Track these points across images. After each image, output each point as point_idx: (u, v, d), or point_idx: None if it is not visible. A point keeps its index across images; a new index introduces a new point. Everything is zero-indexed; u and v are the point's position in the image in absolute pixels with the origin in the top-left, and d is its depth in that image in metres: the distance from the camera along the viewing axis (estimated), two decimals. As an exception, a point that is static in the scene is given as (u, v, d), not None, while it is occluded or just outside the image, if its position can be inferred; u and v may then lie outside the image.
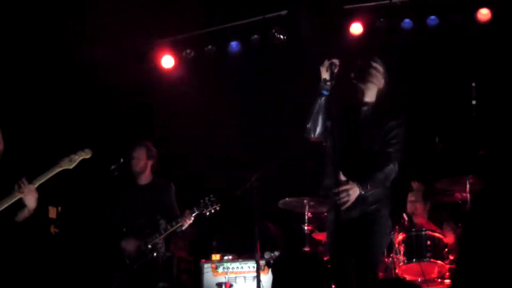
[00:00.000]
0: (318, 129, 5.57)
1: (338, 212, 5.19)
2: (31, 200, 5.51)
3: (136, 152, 7.70)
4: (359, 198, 5.30)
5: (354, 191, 5.25)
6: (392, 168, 5.41)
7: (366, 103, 5.61)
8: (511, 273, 3.01)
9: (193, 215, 7.33)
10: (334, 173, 5.28)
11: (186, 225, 7.39)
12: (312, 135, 5.61)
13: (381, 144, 5.47)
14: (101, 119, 9.65)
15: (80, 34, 8.99)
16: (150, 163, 7.75)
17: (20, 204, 5.50)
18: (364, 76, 5.51)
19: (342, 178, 5.24)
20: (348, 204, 5.24)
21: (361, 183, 5.28)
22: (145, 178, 7.76)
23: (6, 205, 5.45)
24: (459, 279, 3.22)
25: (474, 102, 7.35)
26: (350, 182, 5.26)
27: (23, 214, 5.55)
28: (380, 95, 5.64)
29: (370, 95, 5.62)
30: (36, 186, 5.55)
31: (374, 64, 5.56)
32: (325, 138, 5.64)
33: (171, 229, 7.33)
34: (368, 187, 5.31)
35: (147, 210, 7.55)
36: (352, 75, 5.58)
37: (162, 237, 7.34)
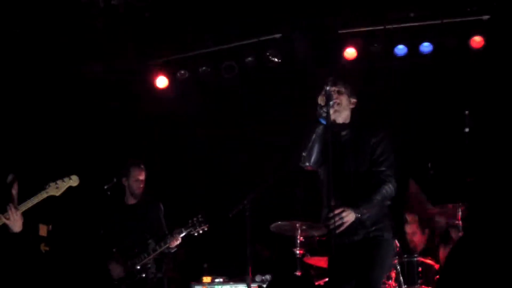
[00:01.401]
0: (314, 158, 5.59)
1: (332, 237, 5.20)
2: (16, 226, 5.55)
3: (141, 175, 7.71)
4: (358, 221, 5.30)
5: (348, 215, 5.23)
6: (388, 188, 5.40)
7: (344, 127, 5.62)
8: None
9: (181, 235, 7.32)
10: (327, 201, 5.30)
11: (174, 246, 7.38)
12: (308, 164, 5.62)
13: (370, 164, 5.47)
14: (92, 137, 9.63)
15: (75, 54, 9.01)
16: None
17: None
18: (329, 103, 5.41)
19: (333, 203, 5.24)
20: (343, 228, 5.23)
21: (355, 206, 5.29)
22: (135, 197, 7.75)
23: None
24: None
25: (467, 129, 7.39)
26: (344, 207, 5.26)
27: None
28: (354, 114, 5.67)
29: (344, 118, 5.64)
30: (21, 211, 5.58)
31: (333, 88, 5.53)
32: (319, 166, 5.66)
33: (160, 250, 7.31)
34: (364, 210, 5.31)
35: (136, 229, 7.54)
36: (320, 102, 5.49)
37: (150, 257, 7.32)
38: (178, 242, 7.38)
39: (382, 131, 5.60)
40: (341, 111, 5.58)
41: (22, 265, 7.88)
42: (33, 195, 5.66)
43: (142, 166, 7.76)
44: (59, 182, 5.71)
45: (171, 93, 9.79)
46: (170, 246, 7.35)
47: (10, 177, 5.87)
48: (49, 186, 5.68)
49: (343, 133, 5.59)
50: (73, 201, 8.39)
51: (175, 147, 10.03)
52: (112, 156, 9.38)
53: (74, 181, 5.79)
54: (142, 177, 7.71)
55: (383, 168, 5.45)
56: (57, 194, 5.71)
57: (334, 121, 5.51)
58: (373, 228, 5.38)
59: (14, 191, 5.89)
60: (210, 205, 8.58)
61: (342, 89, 5.60)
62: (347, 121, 5.66)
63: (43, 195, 5.65)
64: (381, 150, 5.48)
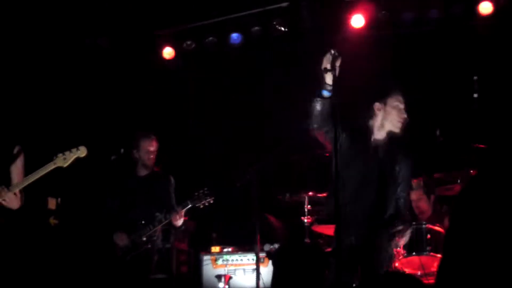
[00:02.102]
0: (324, 126, 5.54)
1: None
2: (13, 204, 5.59)
3: (152, 146, 7.71)
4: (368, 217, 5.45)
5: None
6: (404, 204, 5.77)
7: (382, 134, 5.66)
8: (498, 268, 3.00)
9: (187, 207, 7.33)
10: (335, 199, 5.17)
11: (180, 223, 7.39)
12: (316, 130, 5.59)
13: (398, 186, 5.68)
14: (100, 109, 9.63)
15: (81, 25, 8.97)
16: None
17: None
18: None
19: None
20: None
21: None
22: (147, 169, 7.75)
23: None
24: (444, 273, 3.21)
25: (475, 95, 7.32)
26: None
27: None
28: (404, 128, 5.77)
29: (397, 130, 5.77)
30: (19, 189, 5.60)
31: (400, 106, 5.70)
32: (326, 133, 5.61)
33: (165, 221, 7.33)
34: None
35: (145, 201, 7.57)
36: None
37: (156, 229, 7.34)
38: (182, 218, 7.38)
39: (413, 154, 5.80)
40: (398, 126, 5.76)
41: (27, 239, 7.91)
42: (41, 166, 5.68)
43: (153, 137, 7.75)
44: (66, 153, 5.71)
45: (177, 64, 9.75)
46: (174, 222, 7.35)
47: (16, 149, 5.89)
48: (57, 157, 5.69)
49: (378, 137, 5.72)
50: (81, 173, 8.46)
51: (182, 118, 10.01)
52: (119, 128, 9.38)
53: (82, 152, 5.79)
54: (152, 148, 7.70)
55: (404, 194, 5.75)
56: (64, 165, 5.72)
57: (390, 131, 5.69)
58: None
59: (20, 163, 5.91)
60: (218, 175, 8.58)
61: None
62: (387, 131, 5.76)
63: (50, 166, 5.67)
64: (405, 173, 5.73)
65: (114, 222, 7.52)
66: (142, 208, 7.53)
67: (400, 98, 5.75)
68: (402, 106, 5.71)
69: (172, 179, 7.80)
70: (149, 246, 7.35)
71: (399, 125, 5.68)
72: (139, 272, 7.31)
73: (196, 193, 7.35)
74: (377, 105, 5.76)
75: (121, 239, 7.36)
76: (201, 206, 7.37)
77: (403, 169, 5.65)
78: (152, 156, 7.71)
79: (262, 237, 7.26)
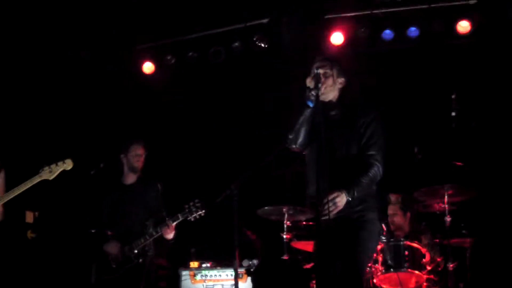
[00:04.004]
0: (301, 140, 5.59)
1: (320, 222, 5.21)
2: None
3: (140, 149, 7.69)
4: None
5: (341, 199, 5.25)
6: (376, 171, 5.42)
7: (333, 106, 5.61)
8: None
9: (177, 221, 7.30)
10: (317, 181, 5.30)
11: (171, 236, 7.37)
12: (294, 145, 5.63)
13: (359, 146, 5.48)
14: (81, 123, 9.60)
15: (63, 39, 8.97)
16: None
17: None
18: (318, 85, 5.46)
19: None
20: (335, 211, 5.24)
21: (347, 189, 5.29)
22: (133, 176, 7.73)
23: None
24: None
25: (453, 113, 7.39)
26: (335, 191, 5.26)
27: None
28: (343, 93, 5.67)
29: (333, 97, 5.65)
30: (2, 202, 5.60)
31: (317, 70, 5.54)
32: (306, 148, 5.66)
33: (156, 235, 7.30)
34: (355, 193, 5.31)
35: (134, 211, 7.52)
36: (309, 84, 5.51)
37: (147, 242, 7.31)
38: (173, 231, 7.35)
39: (373, 112, 5.60)
40: (327, 92, 5.58)
41: (6, 252, 7.87)
42: (27, 179, 5.67)
43: (142, 142, 7.76)
44: (52, 166, 5.72)
45: (158, 79, 9.76)
46: (166, 236, 7.33)
47: None
48: (43, 170, 5.69)
49: (332, 112, 5.58)
50: (60, 187, 8.43)
51: (161, 133, 10.00)
52: (99, 143, 9.36)
53: (68, 164, 5.80)
54: (141, 151, 7.70)
55: (372, 152, 5.46)
56: (50, 178, 5.72)
57: (322, 101, 5.52)
58: (358, 208, 5.39)
59: (1, 178, 5.89)
60: (197, 191, 8.56)
61: (328, 71, 5.59)
62: (336, 99, 5.66)
63: (36, 179, 5.68)
64: (370, 132, 5.49)
65: (102, 234, 7.46)
66: (132, 217, 7.49)
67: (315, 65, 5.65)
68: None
69: (160, 186, 7.76)
70: (141, 260, 7.31)
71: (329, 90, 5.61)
72: (130, 286, 7.26)
73: (186, 206, 7.30)
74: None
75: (113, 248, 7.31)
76: (192, 219, 7.32)
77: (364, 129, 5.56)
78: (141, 159, 7.70)
79: (241, 253, 7.24)
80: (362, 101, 5.84)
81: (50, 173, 5.70)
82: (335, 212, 5.23)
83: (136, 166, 7.68)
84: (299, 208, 7.53)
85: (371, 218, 5.46)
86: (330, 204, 5.18)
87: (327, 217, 5.16)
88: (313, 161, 5.55)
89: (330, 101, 5.62)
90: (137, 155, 7.68)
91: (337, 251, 5.31)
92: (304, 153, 5.74)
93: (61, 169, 5.75)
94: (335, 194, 5.23)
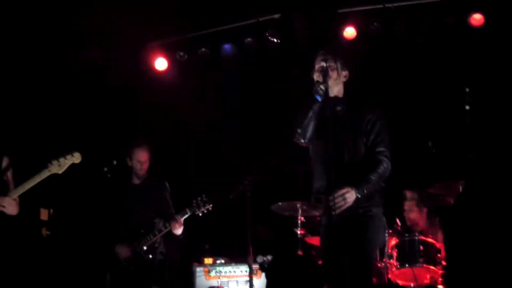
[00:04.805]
0: (309, 134, 5.57)
1: (330, 217, 5.19)
2: (12, 210, 5.57)
3: (143, 156, 7.74)
4: None
5: (351, 195, 5.24)
6: (386, 167, 5.43)
7: (338, 101, 5.58)
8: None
9: (186, 216, 7.35)
10: (326, 175, 5.28)
11: (179, 232, 7.40)
12: (302, 140, 5.61)
13: (369, 143, 5.47)
14: (93, 120, 9.62)
15: (74, 36, 8.96)
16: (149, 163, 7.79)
17: None
18: (323, 77, 5.47)
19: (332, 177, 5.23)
20: (344, 208, 5.23)
21: (357, 186, 5.28)
22: (139, 178, 7.77)
23: None
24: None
25: (467, 107, 7.35)
26: (346, 186, 5.25)
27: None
28: (348, 87, 5.65)
29: (337, 92, 5.62)
30: (17, 195, 5.59)
31: (325, 64, 5.52)
32: (312, 143, 5.65)
33: (165, 230, 7.35)
34: (364, 190, 5.30)
35: (142, 209, 7.62)
36: (317, 79, 5.54)
37: (156, 238, 7.35)
38: (181, 226, 7.39)
39: (378, 108, 5.60)
40: (332, 86, 5.56)
41: (22, 248, 7.89)
42: (36, 174, 5.67)
43: (145, 147, 7.79)
44: (61, 159, 5.69)
45: (170, 75, 9.75)
46: (174, 231, 7.37)
47: (4, 162, 5.86)
48: (51, 164, 5.67)
49: (338, 108, 5.56)
50: (74, 184, 8.45)
51: (175, 129, 10.01)
52: (112, 139, 9.38)
53: (76, 158, 5.78)
54: (143, 158, 7.73)
55: (381, 149, 5.46)
56: (60, 172, 5.71)
57: (330, 93, 5.52)
58: (364, 204, 5.37)
59: (10, 173, 5.88)
60: (211, 187, 8.56)
61: (333, 64, 5.57)
62: (341, 95, 5.64)
63: (45, 173, 5.66)
64: (378, 129, 5.50)
65: (114, 232, 7.51)
66: (140, 216, 7.58)
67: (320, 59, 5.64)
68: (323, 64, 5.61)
69: (167, 184, 7.85)
70: (150, 256, 7.35)
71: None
72: (141, 282, 7.30)
73: (194, 201, 7.37)
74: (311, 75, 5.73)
75: (124, 251, 7.37)
76: (200, 214, 7.38)
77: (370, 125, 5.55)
78: (143, 166, 7.74)
79: (255, 249, 7.25)
80: (365, 95, 5.81)
81: (59, 166, 5.68)
82: (344, 208, 5.22)
83: (139, 174, 7.78)
84: (312, 203, 7.53)
85: (377, 213, 5.48)
86: (340, 199, 5.17)
87: (334, 212, 5.14)
88: (320, 157, 5.55)
89: (335, 96, 5.61)
90: (139, 162, 7.74)
91: (345, 245, 5.31)
92: (308, 148, 5.73)
93: (70, 163, 5.73)
94: (344, 190, 5.22)
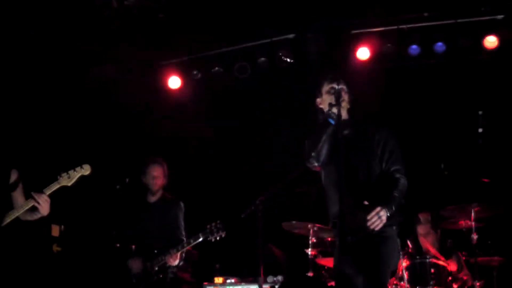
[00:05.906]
0: (323, 158, 5.55)
1: (342, 240, 5.17)
2: (45, 209, 5.55)
3: (156, 171, 7.71)
4: (363, 219, 5.28)
5: (384, 213, 5.22)
6: (404, 183, 5.43)
7: (345, 125, 5.56)
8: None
9: (198, 241, 7.27)
10: (340, 199, 5.26)
11: (173, 262, 7.34)
12: (317, 163, 5.60)
13: (384, 163, 5.46)
14: (107, 138, 9.65)
15: (90, 53, 9.02)
16: (165, 181, 7.77)
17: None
18: (336, 99, 5.40)
19: (366, 203, 5.26)
20: (380, 226, 5.22)
21: (386, 205, 5.26)
22: (156, 195, 7.76)
23: (21, 212, 5.52)
24: None
25: (480, 129, 7.34)
26: (378, 206, 5.23)
27: (36, 216, 5.60)
28: (352, 110, 5.64)
29: (344, 115, 5.59)
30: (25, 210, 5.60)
31: (337, 86, 5.50)
32: (325, 167, 5.63)
33: (176, 253, 7.30)
34: (393, 207, 5.29)
35: (157, 228, 7.57)
36: (330, 101, 5.47)
37: (167, 259, 7.31)
38: (177, 260, 7.32)
39: (385, 128, 5.60)
40: (344, 109, 5.56)
41: (33, 264, 7.91)
42: (45, 187, 5.67)
43: (159, 162, 7.77)
44: (70, 172, 5.67)
45: (184, 94, 9.79)
46: (168, 264, 7.31)
47: (13, 176, 5.86)
48: (61, 176, 5.66)
49: (345, 131, 5.52)
50: (85, 200, 8.47)
51: (187, 148, 10.03)
52: (125, 157, 9.40)
53: (85, 170, 5.75)
54: (156, 173, 7.70)
55: (397, 167, 5.46)
56: (69, 184, 5.67)
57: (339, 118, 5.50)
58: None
59: (20, 187, 5.88)
60: (222, 206, 8.58)
61: (344, 87, 5.58)
62: (347, 117, 5.63)
63: (55, 186, 5.63)
64: (391, 148, 5.49)
65: (126, 250, 7.50)
66: (153, 235, 7.54)
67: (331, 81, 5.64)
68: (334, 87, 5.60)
69: (182, 204, 7.79)
70: (161, 276, 7.33)
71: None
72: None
73: (208, 226, 7.24)
74: (318, 100, 5.75)
75: (136, 266, 7.35)
76: (213, 240, 7.31)
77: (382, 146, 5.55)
78: (155, 181, 7.71)
79: (265, 269, 7.22)
80: (371, 118, 5.80)
81: (69, 179, 5.67)
82: (380, 227, 5.20)
83: (153, 190, 7.73)
84: (323, 227, 7.52)
85: (392, 234, 5.44)
86: (375, 218, 5.16)
87: (371, 231, 5.16)
88: (334, 181, 5.51)
89: (343, 120, 5.56)
90: (153, 178, 7.70)
91: (359, 267, 5.29)
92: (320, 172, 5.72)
93: (79, 175, 5.71)
94: (378, 209, 5.20)
